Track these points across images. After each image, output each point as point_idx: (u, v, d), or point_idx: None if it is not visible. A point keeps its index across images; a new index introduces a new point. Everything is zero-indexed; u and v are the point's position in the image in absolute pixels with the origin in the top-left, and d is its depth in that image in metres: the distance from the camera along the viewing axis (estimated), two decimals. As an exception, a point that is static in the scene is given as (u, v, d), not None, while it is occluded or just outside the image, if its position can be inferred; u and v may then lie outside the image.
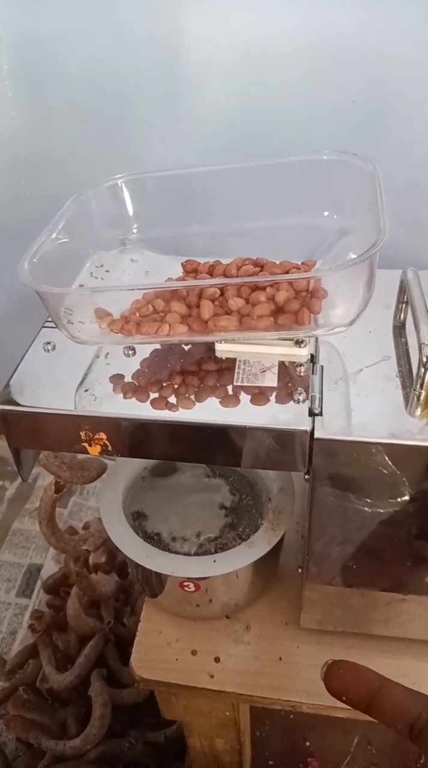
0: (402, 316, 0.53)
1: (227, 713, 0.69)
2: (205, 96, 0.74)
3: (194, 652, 0.63)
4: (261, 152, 0.75)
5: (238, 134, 0.75)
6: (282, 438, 0.44)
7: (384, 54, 0.67)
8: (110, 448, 0.47)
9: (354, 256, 0.42)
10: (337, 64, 0.68)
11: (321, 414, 0.44)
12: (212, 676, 0.61)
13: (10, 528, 1.29)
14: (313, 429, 0.43)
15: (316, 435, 0.43)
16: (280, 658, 0.62)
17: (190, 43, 0.70)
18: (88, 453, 0.48)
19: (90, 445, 0.47)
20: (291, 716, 0.96)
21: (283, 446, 0.44)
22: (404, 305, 0.53)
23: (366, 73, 0.68)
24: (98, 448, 0.47)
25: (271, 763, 0.94)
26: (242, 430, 0.44)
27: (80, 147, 0.82)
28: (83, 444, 0.47)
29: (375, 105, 0.70)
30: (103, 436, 0.47)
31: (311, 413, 0.44)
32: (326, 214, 0.55)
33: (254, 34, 0.68)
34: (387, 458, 0.43)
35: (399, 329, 0.53)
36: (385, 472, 0.43)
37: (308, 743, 0.96)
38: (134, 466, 0.68)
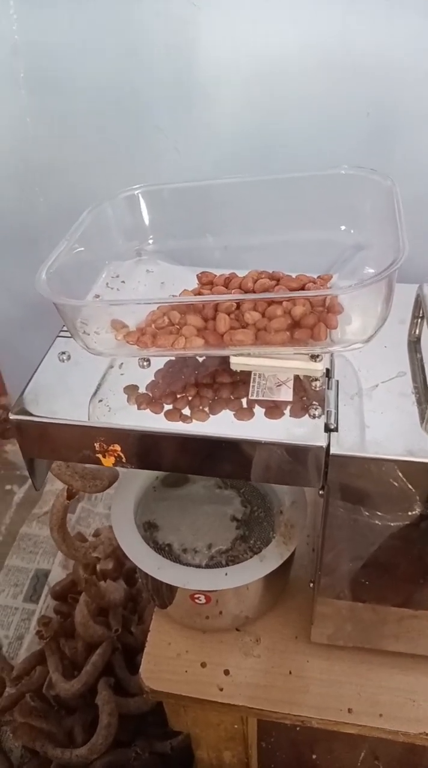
0: (417, 331, 0.53)
1: (236, 726, 0.68)
2: (218, 105, 0.74)
3: (203, 664, 0.62)
4: (273, 162, 0.76)
5: (251, 143, 0.75)
6: (297, 453, 0.43)
7: (398, 66, 0.67)
8: (124, 460, 0.47)
9: (370, 271, 0.42)
10: (350, 77, 0.68)
11: (336, 429, 0.44)
12: (221, 689, 0.60)
13: (18, 533, 1.29)
14: (329, 445, 0.43)
15: (332, 451, 0.42)
16: (290, 672, 0.61)
17: (205, 54, 0.71)
18: (102, 464, 0.48)
19: (104, 456, 0.47)
20: (298, 729, 0.95)
21: (298, 461, 0.44)
22: (419, 320, 0.53)
23: (380, 86, 0.68)
24: (112, 460, 0.47)
25: (277, 775, 0.93)
26: (257, 445, 0.44)
27: (94, 154, 0.82)
28: (97, 455, 0.47)
29: (388, 117, 0.70)
30: (117, 447, 0.47)
31: (327, 429, 0.44)
32: (343, 228, 0.55)
33: (269, 45, 0.68)
34: (402, 475, 0.42)
35: (414, 344, 0.52)
36: (401, 488, 0.43)
37: (314, 756, 0.95)
38: (145, 476, 0.68)
